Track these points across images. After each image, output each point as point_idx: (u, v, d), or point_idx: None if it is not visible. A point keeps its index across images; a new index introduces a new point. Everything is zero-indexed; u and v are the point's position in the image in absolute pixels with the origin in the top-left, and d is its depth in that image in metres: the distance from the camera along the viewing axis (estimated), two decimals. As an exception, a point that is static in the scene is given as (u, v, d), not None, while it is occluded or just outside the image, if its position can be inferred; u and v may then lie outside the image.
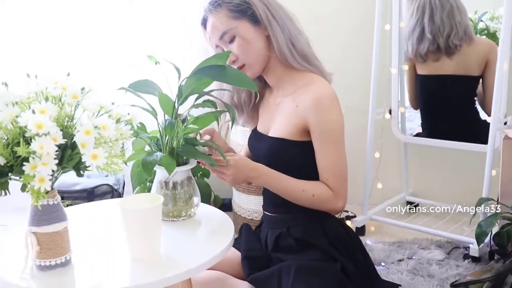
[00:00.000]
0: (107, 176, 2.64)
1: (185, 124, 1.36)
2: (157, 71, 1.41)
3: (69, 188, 2.42)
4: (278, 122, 1.59)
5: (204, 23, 1.58)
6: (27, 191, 1.01)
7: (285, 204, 1.56)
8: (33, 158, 0.93)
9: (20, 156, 0.95)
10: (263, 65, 1.57)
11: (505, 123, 2.15)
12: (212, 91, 1.46)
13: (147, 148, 1.41)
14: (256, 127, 1.71)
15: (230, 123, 1.55)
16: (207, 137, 1.48)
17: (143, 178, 1.47)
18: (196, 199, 1.42)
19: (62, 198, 2.53)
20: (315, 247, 1.53)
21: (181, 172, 1.36)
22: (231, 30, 1.52)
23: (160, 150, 1.35)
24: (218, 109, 1.50)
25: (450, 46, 2.34)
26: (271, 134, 1.60)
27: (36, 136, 0.90)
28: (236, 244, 1.60)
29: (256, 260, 1.60)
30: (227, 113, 1.54)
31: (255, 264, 1.59)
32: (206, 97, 1.40)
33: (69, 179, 2.45)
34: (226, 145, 1.65)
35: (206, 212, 1.47)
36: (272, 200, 1.64)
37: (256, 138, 1.67)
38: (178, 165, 1.33)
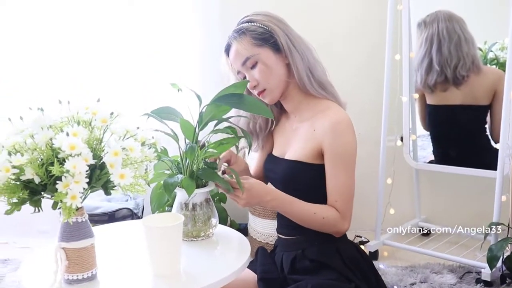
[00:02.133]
0: (127, 200, 2.70)
1: (204, 149, 1.42)
2: (176, 96, 1.48)
3: (91, 212, 2.48)
4: (295, 145, 1.63)
5: (227, 49, 1.64)
6: (59, 208, 1.08)
7: (300, 227, 1.58)
8: (65, 177, 1.00)
9: (53, 175, 1.02)
10: (282, 90, 1.62)
11: None
12: (230, 117, 1.52)
13: (167, 171, 1.47)
14: (271, 152, 1.77)
15: (246, 149, 1.61)
16: (225, 164, 1.53)
17: (162, 202, 1.53)
18: (214, 220, 1.46)
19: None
20: (330, 268, 1.55)
21: (200, 194, 1.41)
22: (254, 56, 1.57)
23: (181, 173, 1.41)
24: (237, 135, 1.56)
25: (458, 77, 2.36)
26: (287, 156, 1.63)
27: (69, 157, 0.97)
28: (252, 266, 1.63)
29: (272, 282, 1.63)
30: (243, 139, 1.60)
31: (271, 285, 1.62)
32: (226, 124, 1.47)
33: (91, 203, 2.52)
34: (243, 162, 1.69)
35: (224, 232, 1.52)
36: (286, 223, 1.67)
37: (272, 161, 1.70)
38: (197, 187, 1.38)
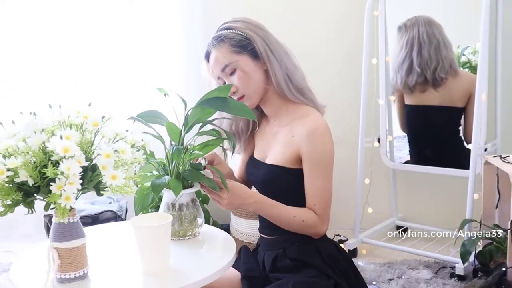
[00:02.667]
0: (110, 203, 2.72)
1: (189, 151, 1.46)
2: (165, 98, 1.52)
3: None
4: (274, 150, 1.67)
5: (207, 56, 1.67)
6: (51, 209, 1.11)
7: (281, 227, 1.62)
8: (59, 179, 1.03)
9: (46, 177, 1.05)
10: (261, 96, 1.66)
11: (485, 150, 2.24)
12: (214, 120, 1.56)
13: (154, 172, 1.50)
14: (253, 154, 1.81)
15: (229, 151, 1.66)
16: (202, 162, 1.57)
17: (146, 204, 1.56)
18: (200, 220, 1.51)
19: (68, 224, 2.60)
20: (310, 266, 1.59)
21: (187, 195, 1.45)
22: (232, 63, 1.60)
23: (167, 174, 1.45)
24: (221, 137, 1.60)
25: (437, 78, 2.44)
26: (268, 161, 1.68)
27: (63, 159, 1.01)
28: (235, 264, 1.66)
29: (255, 280, 1.67)
30: (226, 142, 1.64)
31: (254, 283, 1.66)
32: (211, 126, 1.51)
33: (77, 206, 2.54)
34: (227, 166, 1.73)
35: (209, 232, 1.57)
36: (268, 223, 1.70)
37: (253, 165, 1.74)
38: (184, 188, 1.42)
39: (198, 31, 2.89)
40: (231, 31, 1.62)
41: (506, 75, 2.48)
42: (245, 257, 1.72)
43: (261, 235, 1.78)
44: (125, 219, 2.66)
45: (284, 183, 1.62)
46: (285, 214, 1.57)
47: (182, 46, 2.92)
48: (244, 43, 1.61)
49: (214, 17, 2.78)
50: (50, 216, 2.52)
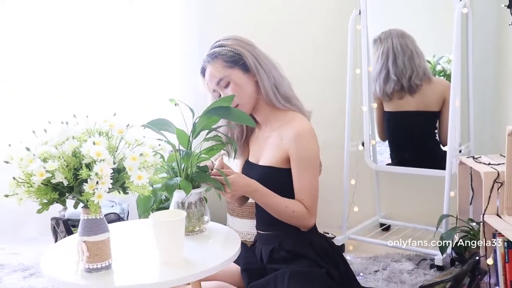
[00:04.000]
0: (112, 206, 2.82)
1: (198, 154, 1.59)
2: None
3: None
4: (266, 153, 1.81)
5: (203, 72, 1.81)
6: (83, 207, 1.24)
7: (276, 223, 1.76)
8: (91, 179, 1.16)
9: (78, 178, 1.18)
10: (253, 105, 1.80)
11: (460, 151, 2.35)
12: (218, 127, 1.70)
13: (163, 174, 1.62)
14: (248, 158, 1.93)
15: (226, 154, 1.80)
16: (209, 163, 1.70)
17: (148, 207, 1.69)
18: (207, 217, 1.63)
19: (74, 226, 2.71)
20: (304, 257, 1.72)
21: (195, 194, 1.58)
22: (226, 77, 1.74)
23: (176, 176, 1.58)
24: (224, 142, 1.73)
25: (412, 85, 2.55)
26: (261, 163, 1.81)
27: (96, 162, 1.14)
28: (235, 259, 1.81)
29: (254, 272, 1.80)
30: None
31: (253, 275, 1.79)
32: (214, 132, 1.65)
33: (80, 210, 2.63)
34: (227, 167, 1.86)
35: (215, 228, 1.69)
36: (264, 220, 1.83)
37: (249, 168, 1.87)
38: (192, 188, 1.56)
39: (196, 31, 2.90)
40: (224, 48, 1.76)
41: (477, 83, 2.60)
42: (244, 252, 1.82)
43: (258, 231, 1.90)
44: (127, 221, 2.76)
45: (276, 181, 1.74)
46: (279, 204, 1.70)
47: (181, 46, 2.92)
48: (235, 58, 1.75)
49: (212, 29, 2.88)
50: (57, 219, 2.61)
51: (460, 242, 2.08)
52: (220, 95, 1.78)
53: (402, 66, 2.56)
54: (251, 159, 1.90)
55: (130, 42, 2.88)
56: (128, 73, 2.91)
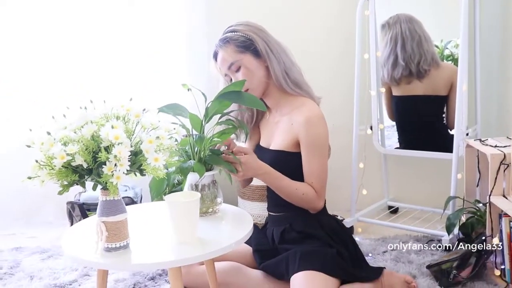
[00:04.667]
0: (126, 190, 2.87)
1: (210, 138, 1.62)
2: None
3: (95, 201, 2.64)
4: (277, 137, 1.84)
5: (215, 56, 1.85)
6: (102, 188, 1.28)
7: (286, 205, 1.80)
8: (110, 162, 1.20)
9: (97, 161, 1.22)
10: (263, 90, 1.83)
11: (467, 134, 2.37)
12: (230, 112, 1.73)
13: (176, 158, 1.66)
14: (259, 143, 1.97)
15: (236, 138, 1.84)
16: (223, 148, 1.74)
17: (161, 190, 1.72)
18: (219, 199, 1.67)
19: (89, 210, 2.76)
20: (314, 237, 1.77)
21: (208, 176, 1.62)
22: (237, 61, 1.78)
23: (190, 159, 1.61)
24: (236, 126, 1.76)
25: (421, 71, 2.54)
26: (272, 147, 1.85)
27: (115, 145, 1.17)
28: (247, 240, 1.85)
29: (265, 252, 1.85)
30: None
31: (264, 255, 1.84)
32: (227, 117, 1.68)
33: (96, 194, 2.68)
34: (242, 148, 1.89)
35: (228, 209, 1.74)
36: (275, 202, 1.87)
37: (260, 152, 1.89)
38: (205, 171, 1.60)
39: (203, 18, 2.89)
40: (235, 33, 1.79)
41: (485, 67, 2.60)
42: (255, 233, 1.87)
43: (269, 213, 1.94)
44: (141, 204, 2.80)
45: (287, 165, 1.78)
46: (289, 186, 1.74)
47: (186, 45, 2.92)
48: (247, 43, 1.78)
49: (220, 4, 2.88)
50: (73, 203, 2.66)
51: (467, 223, 2.11)
52: (231, 79, 1.81)
53: (410, 51, 2.55)
54: (262, 144, 1.93)
55: (128, 42, 2.86)
56: (127, 73, 2.89)
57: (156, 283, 2.00)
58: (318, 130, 1.74)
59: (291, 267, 1.68)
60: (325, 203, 1.83)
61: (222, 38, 1.81)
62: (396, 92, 2.69)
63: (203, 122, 1.59)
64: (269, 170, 1.73)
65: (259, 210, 2.59)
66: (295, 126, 1.76)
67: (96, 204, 2.55)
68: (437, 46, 2.61)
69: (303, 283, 1.59)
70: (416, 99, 2.64)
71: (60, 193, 1.25)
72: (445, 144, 2.47)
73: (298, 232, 1.80)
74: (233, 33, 1.80)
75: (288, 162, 1.79)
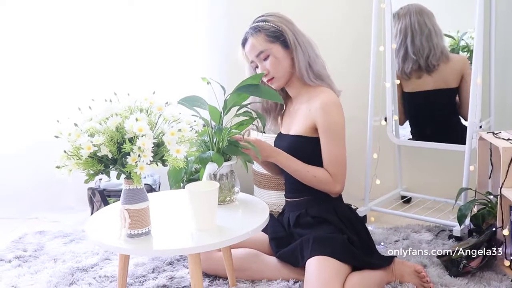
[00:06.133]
0: (145, 177, 2.93)
1: (228, 129, 1.67)
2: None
3: (115, 188, 2.71)
4: (296, 123, 1.90)
5: (244, 43, 1.90)
6: (126, 178, 1.33)
7: (303, 190, 1.86)
8: (134, 152, 1.25)
9: (122, 152, 1.27)
10: (287, 79, 1.89)
11: (480, 127, 2.36)
12: (249, 104, 1.78)
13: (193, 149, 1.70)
14: (280, 132, 2.03)
15: (255, 129, 1.88)
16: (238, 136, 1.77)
17: (179, 178, 1.77)
18: (237, 188, 1.72)
19: (109, 196, 2.82)
20: (328, 223, 1.82)
21: (226, 166, 1.67)
22: (267, 50, 1.84)
23: (208, 150, 1.66)
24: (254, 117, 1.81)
25: (429, 65, 2.52)
26: (292, 133, 1.91)
27: (139, 137, 1.22)
28: (264, 229, 1.90)
29: (281, 240, 1.90)
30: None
31: (280, 243, 1.89)
32: (244, 108, 1.72)
33: (115, 181, 2.75)
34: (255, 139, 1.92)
35: (245, 198, 1.78)
36: (292, 187, 1.94)
37: (280, 138, 1.98)
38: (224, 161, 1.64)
39: (223, 23, 2.89)
40: (267, 23, 1.85)
41: (499, 59, 2.59)
42: (271, 222, 1.93)
43: (286, 199, 2.00)
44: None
45: (306, 150, 1.85)
46: (301, 169, 1.81)
47: (205, 38, 2.92)
48: (277, 34, 1.84)
49: (238, 9, 2.85)
50: (93, 189, 2.73)
51: (478, 214, 2.12)
52: (257, 67, 1.85)
53: (419, 45, 2.53)
54: (282, 131, 2.00)
55: (130, 41, 2.87)
56: (128, 72, 2.90)
57: (174, 267, 2.06)
58: (334, 115, 1.80)
59: (305, 252, 1.74)
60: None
61: (254, 26, 1.87)
62: (407, 88, 2.68)
63: (222, 114, 1.63)
64: (282, 153, 1.81)
65: (275, 199, 2.63)
66: (312, 111, 1.82)
67: (116, 191, 2.69)
68: (452, 37, 2.58)
69: (315, 268, 1.64)
70: (428, 94, 2.63)
71: (86, 181, 1.30)
72: (458, 136, 2.47)
73: (313, 217, 1.86)
74: (264, 22, 1.86)
75: (306, 147, 1.85)
